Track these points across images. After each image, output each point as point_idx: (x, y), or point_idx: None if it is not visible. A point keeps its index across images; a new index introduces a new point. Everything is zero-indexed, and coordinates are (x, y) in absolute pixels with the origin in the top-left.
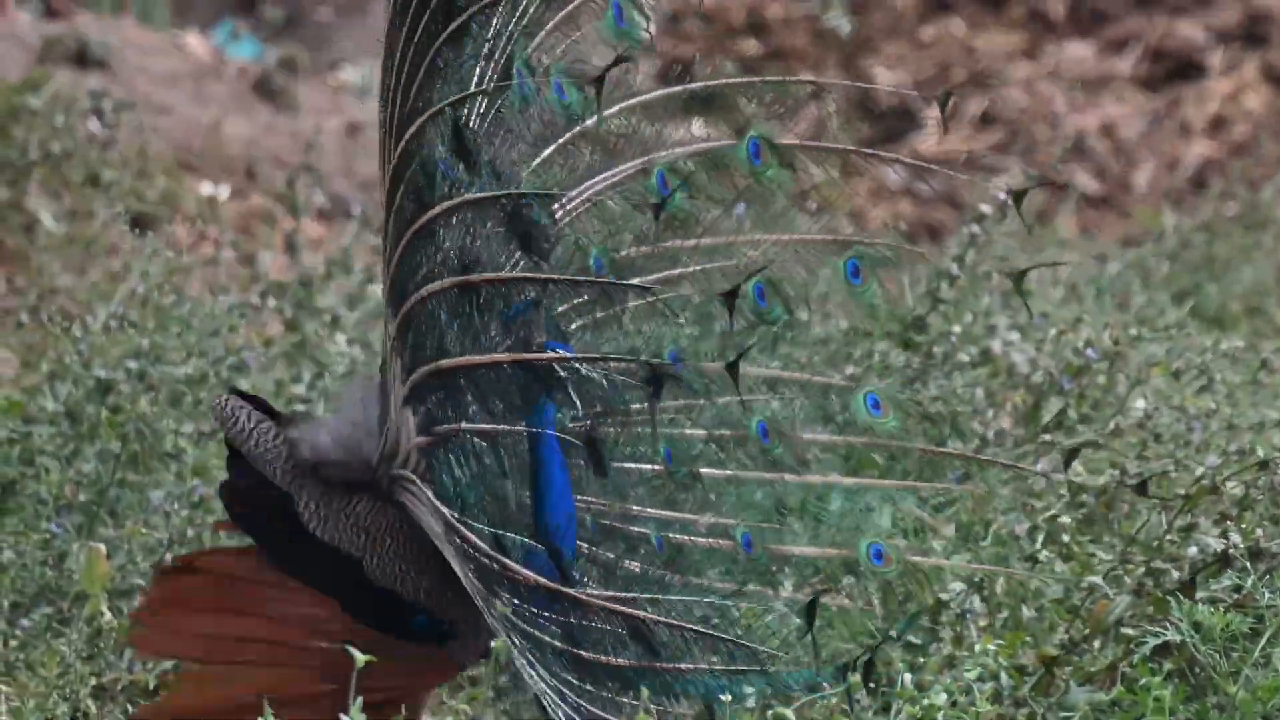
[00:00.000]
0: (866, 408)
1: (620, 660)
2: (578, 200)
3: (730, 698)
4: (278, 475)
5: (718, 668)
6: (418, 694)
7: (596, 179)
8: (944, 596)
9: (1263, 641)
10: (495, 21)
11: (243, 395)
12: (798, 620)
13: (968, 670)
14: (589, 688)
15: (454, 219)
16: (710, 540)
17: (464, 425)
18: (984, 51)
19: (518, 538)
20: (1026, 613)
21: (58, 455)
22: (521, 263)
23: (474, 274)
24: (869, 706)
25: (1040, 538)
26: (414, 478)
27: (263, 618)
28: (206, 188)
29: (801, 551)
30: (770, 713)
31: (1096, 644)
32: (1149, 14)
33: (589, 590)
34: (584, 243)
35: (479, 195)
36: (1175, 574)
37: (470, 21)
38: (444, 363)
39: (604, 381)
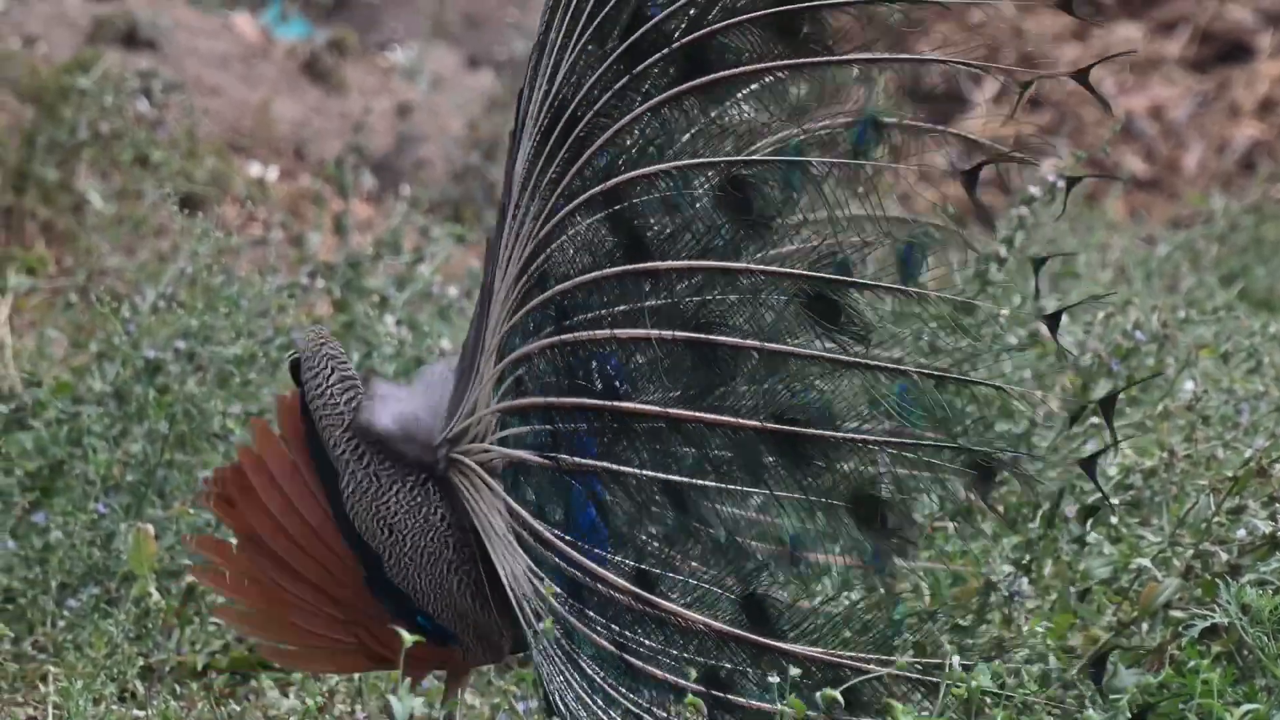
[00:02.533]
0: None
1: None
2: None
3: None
4: (333, 444)
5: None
6: (451, 672)
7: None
8: (992, 578)
9: None
10: None
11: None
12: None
13: (1016, 652)
14: None
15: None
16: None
17: (652, 474)
18: (1033, 33)
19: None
20: (1074, 595)
21: (106, 435)
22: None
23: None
24: (916, 687)
25: (1089, 520)
26: (490, 482)
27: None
28: (255, 168)
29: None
30: (820, 694)
31: (1145, 626)
32: None
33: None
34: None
35: (780, 269)
36: (1224, 556)
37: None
38: (675, 411)
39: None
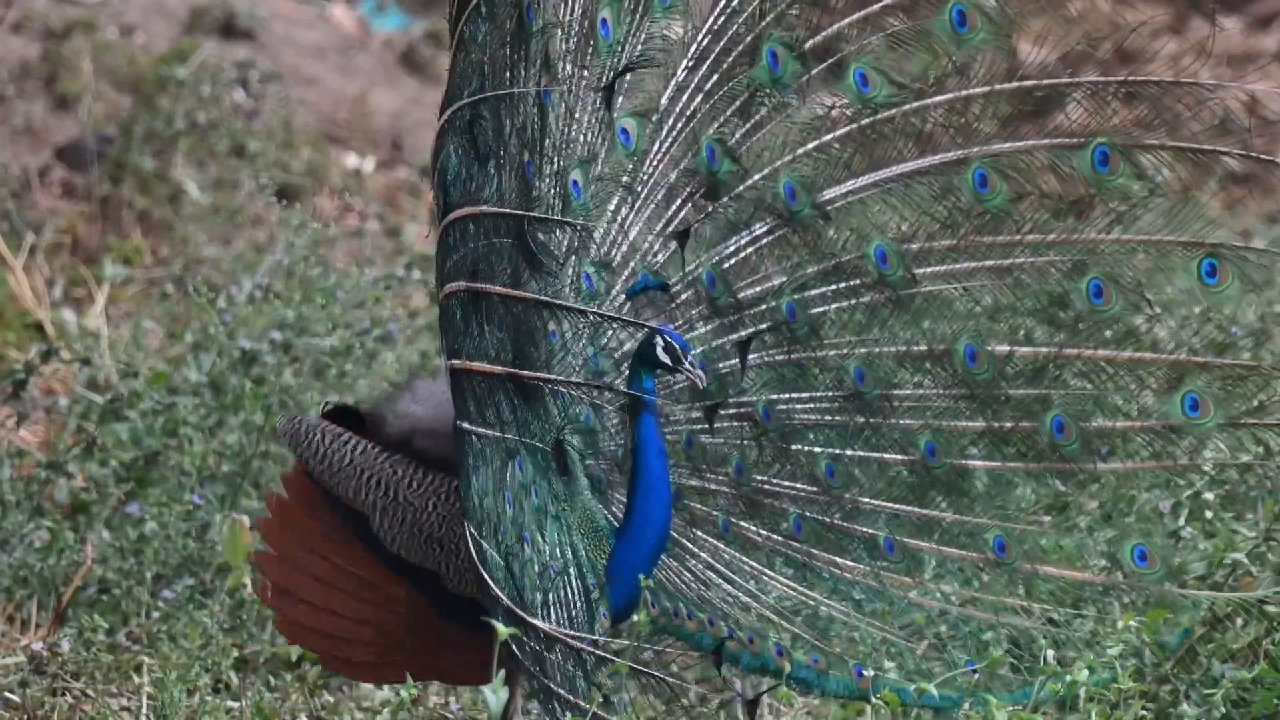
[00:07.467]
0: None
1: None
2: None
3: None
4: (350, 495)
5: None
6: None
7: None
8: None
9: None
10: None
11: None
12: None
13: (1110, 647)
14: None
15: None
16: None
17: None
18: (1130, 26)
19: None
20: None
21: (201, 426)
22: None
23: None
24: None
25: (1183, 514)
26: None
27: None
28: (352, 159)
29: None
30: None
31: (1239, 621)
32: None
33: None
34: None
35: None
36: None
37: None
38: None
39: None
